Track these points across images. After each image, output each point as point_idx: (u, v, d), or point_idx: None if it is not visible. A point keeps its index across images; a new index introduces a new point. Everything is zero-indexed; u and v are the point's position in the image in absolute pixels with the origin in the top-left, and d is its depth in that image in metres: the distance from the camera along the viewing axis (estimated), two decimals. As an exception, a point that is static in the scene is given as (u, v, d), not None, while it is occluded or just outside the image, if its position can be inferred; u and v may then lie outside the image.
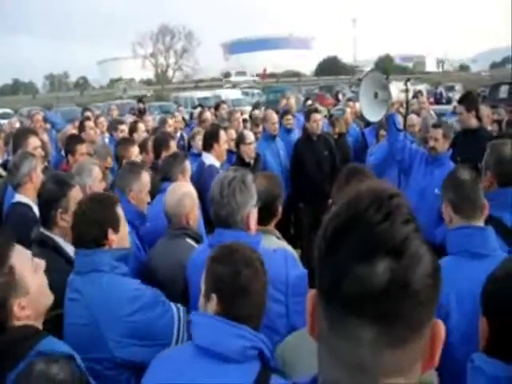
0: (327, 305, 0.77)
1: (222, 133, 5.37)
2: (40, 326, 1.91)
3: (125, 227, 2.57)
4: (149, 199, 3.61)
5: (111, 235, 2.43)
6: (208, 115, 8.33)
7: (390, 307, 0.71)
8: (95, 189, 3.72)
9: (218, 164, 5.20)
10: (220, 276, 1.80)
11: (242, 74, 64.65)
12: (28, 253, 1.96)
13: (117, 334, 2.24)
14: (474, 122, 5.71)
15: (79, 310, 2.32)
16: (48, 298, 1.99)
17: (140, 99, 18.63)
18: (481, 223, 2.52)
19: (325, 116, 9.19)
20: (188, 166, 4.15)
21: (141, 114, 13.08)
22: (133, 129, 6.85)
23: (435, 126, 4.97)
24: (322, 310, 0.79)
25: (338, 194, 2.85)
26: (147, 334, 2.25)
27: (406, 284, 0.71)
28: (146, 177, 3.62)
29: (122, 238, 2.51)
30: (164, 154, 4.92)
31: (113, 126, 7.53)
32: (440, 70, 74.66)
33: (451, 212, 2.58)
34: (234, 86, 43.94)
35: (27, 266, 1.89)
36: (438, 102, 20.53)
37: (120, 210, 2.55)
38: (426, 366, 0.80)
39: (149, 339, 2.24)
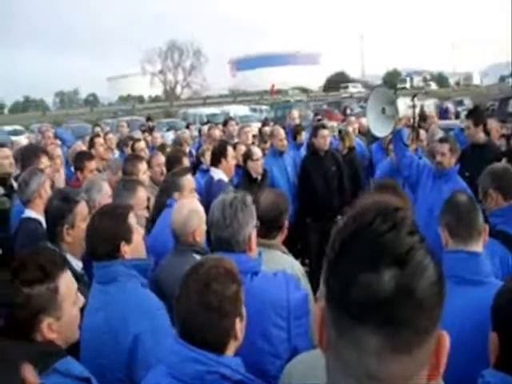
0: (335, 314, 0.79)
1: (230, 149, 5.49)
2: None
3: (138, 235, 2.59)
4: (146, 215, 3.61)
5: (124, 247, 2.45)
6: (216, 132, 8.43)
7: (395, 314, 0.74)
8: (104, 204, 3.75)
9: (226, 179, 5.27)
10: (184, 291, 1.78)
11: (356, 85, 65.84)
12: (75, 284, 1.99)
13: (130, 348, 2.23)
14: (481, 137, 5.71)
15: (101, 318, 2.33)
16: (74, 335, 2.00)
17: (149, 117, 18.94)
18: (478, 247, 2.44)
19: (333, 132, 9.21)
20: (186, 182, 4.13)
21: (150, 131, 13.23)
22: (133, 148, 7.01)
23: (442, 140, 4.97)
24: (330, 320, 0.81)
25: None
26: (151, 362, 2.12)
27: (411, 292, 0.74)
28: (141, 192, 3.63)
29: (136, 246, 2.54)
30: (174, 171, 4.95)
31: (124, 142, 7.61)
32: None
33: (447, 236, 2.53)
34: (351, 96, 43.78)
35: (70, 294, 1.92)
36: (443, 117, 20.35)
37: (132, 220, 2.57)
38: (432, 375, 0.81)
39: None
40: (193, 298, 1.74)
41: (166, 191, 4.16)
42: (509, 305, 1.64)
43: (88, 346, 2.34)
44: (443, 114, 22.52)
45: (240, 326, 1.81)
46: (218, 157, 5.41)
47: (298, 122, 8.84)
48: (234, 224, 2.33)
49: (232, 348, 1.80)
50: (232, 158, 5.46)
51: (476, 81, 74.12)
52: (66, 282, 1.89)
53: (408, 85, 65.68)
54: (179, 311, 1.78)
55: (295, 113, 9.14)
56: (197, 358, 1.68)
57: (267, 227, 2.80)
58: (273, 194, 3.01)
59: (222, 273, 1.80)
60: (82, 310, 2.13)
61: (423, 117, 8.18)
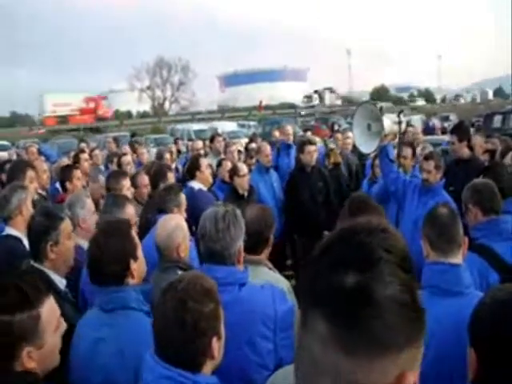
0: (303, 303, 0.86)
1: (201, 160, 5.85)
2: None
3: (140, 251, 2.53)
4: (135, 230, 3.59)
5: (133, 265, 2.40)
6: (199, 144, 8.81)
7: (348, 310, 0.78)
8: (88, 221, 3.71)
9: (205, 188, 5.62)
10: (161, 307, 1.78)
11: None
12: (58, 309, 1.92)
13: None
14: (466, 152, 5.77)
15: (114, 349, 2.25)
16: (54, 361, 1.93)
17: (133, 134, 19.00)
18: (457, 259, 2.48)
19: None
20: (183, 199, 4.15)
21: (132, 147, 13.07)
22: (119, 162, 7.07)
23: (427, 158, 5.00)
24: (300, 313, 0.86)
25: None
26: None
27: (367, 294, 0.78)
28: (130, 208, 3.61)
29: (141, 262, 2.51)
30: (161, 186, 4.94)
31: (110, 158, 7.60)
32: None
33: (428, 247, 2.56)
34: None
35: (52, 321, 1.85)
36: (428, 133, 20.49)
37: (134, 233, 2.53)
38: None
39: None
40: (169, 314, 1.73)
41: (155, 207, 4.13)
42: (485, 320, 1.64)
43: (96, 378, 2.28)
44: (430, 129, 22.71)
45: (217, 346, 1.80)
46: (192, 170, 5.75)
47: (291, 137, 8.83)
48: (227, 237, 2.38)
49: (209, 367, 1.79)
50: (206, 167, 5.77)
51: (490, 96, 73.30)
52: (49, 309, 1.83)
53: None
54: (156, 327, 1.77)
55: (289, 128, 9.04)
56: (170, 375, 1.67)
57: (253, 241, 2.82)
58: (258, 208, 3.05)
59: (199, 290, 1.79)
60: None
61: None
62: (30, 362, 1.74)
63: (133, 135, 18.51)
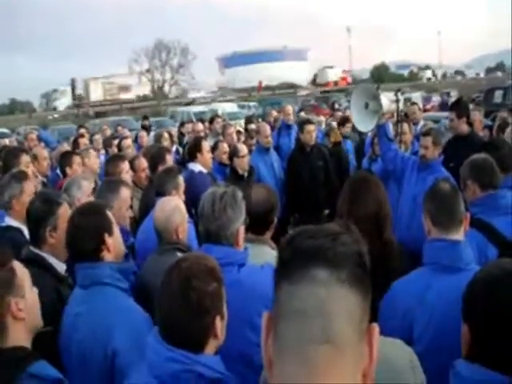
0: (289, 264, 1.01)
1: (204, 143, 5.85)
2: (29, 345, 1.92)
3: (116, 227, 2.60)
4: (131, 214, 3.60)
5: (108, 239, 2.45)
6: (200, 126, 8.74)
7: (335, 254, 0.93)
8: (83, 202, 3.69)
9: (205, 171, 5.61)
10: (166, 286, 1.80)
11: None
12: (26, 270, 2.00)
13: (111, 361, 2.21)
14: (465, 128, 5.76)
15: (87, 324, 2.30)
16: (39, 320, 2.01)
17: (145, 116, 18.94)
18: (458, 235, 2.46)
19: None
20: (182, 181, 4.16)
21: (146, 130, 12.91)
22: (119, 146, 7.20)
23: (424, 134, 5.00)
24: (281, 281, 1.05)
25: (344, 205, 2.87)
26: None
27: (344, 244, 0.95)
28: (125, 192, 3.61)
29: (117, 238, 2.55)
30: (160, 168, 4.94)
31: (107, 142, 7.62)
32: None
33: (430, 223, 2.54)
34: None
35: (26, 277, 1.95)
36: (443, 109, 19.99)
37: (110, 214, 2.58)
38: (367, 369, 0.92)
39: None
40: (174, 292, 1.76)
41: (155, 190, 4.12)
42: (478, 295, 1.64)
43: (74, 353, 2.32)
44: (444, 105, 22.29)
45: (220, 325, 1.82)
46: (193, 151, 5.76)
47: (292, 117, 8.81)
48: (223, 218, 2.38)
49: (212, 346, 1.81)
50: (207, 151, 5.77)
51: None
52: (19, 267, 1.94)
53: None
54: (160, 306, 1.79)
55: (289, 108, 8.95)
56: (174, 357, 1.69)
57: (258, 223, 2.84)
58: (263, 189, 3.04)
59: (203, 270, 1.81)
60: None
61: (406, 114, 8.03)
62: (19, 312, 1.85)
63: (145, 117, 18.46)
